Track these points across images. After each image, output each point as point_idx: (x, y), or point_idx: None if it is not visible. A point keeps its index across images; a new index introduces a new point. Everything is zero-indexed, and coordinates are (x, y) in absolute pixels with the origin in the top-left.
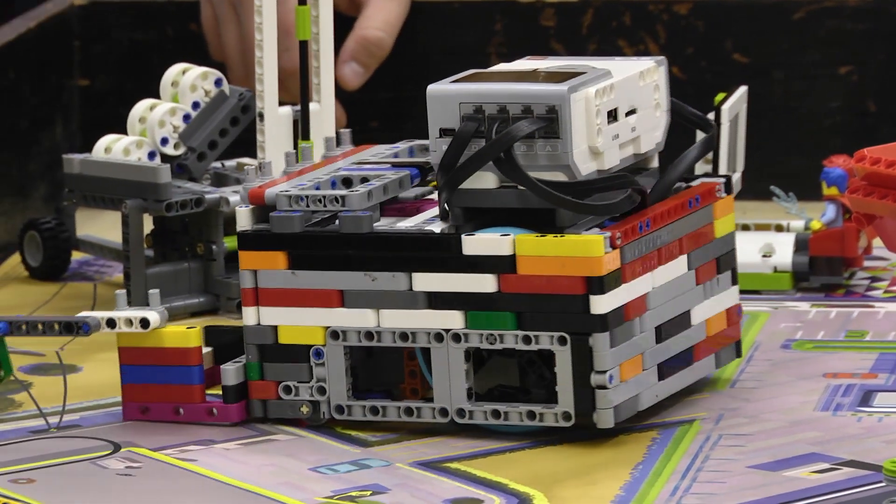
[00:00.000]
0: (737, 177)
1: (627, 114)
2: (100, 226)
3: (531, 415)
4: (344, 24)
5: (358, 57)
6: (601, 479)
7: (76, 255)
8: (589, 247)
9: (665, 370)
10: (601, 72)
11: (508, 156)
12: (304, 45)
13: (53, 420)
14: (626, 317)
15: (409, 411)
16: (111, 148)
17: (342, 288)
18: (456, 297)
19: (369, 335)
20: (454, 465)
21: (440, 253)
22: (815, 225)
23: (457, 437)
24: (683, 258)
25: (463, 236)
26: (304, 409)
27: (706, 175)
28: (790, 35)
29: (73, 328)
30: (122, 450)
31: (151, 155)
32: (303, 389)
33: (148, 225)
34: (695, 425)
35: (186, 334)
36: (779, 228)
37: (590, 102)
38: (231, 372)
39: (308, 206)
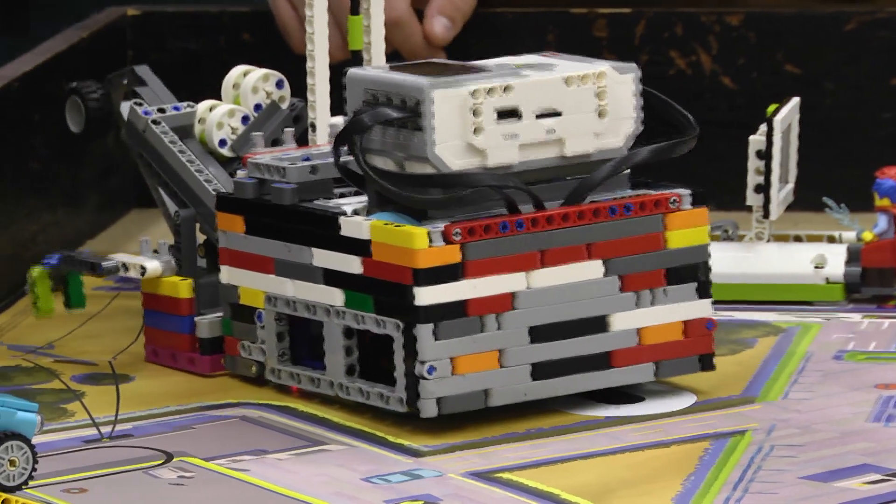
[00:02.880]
0: (789, 188)
1: (542, 115)
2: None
3: (381, 397)
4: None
5: (446, 11)
6: (653, 490)
7: None
8: (411, 239)
9: (547, 371)
10: (504, 70)
11: (351, 141)
12: (356, 55)
13: (106, 429)
14: (467, 312)
15: (312, 381)
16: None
17: (274, 256)
18: (337, 276)
19: (288, 304)
20: (506, 476)
21: (328, 231)
22: (867, 236)
23: (509, 447)
24: (597, 263)
25: (340, 217)
26: (253, 369)
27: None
28: (842, 46)
29: (93, 268)
30: (175, 459)
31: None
32: (253, 350)
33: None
34: (747, 436)
35: (177, 285)
36: (831, 239)
37: (465, 100)
38: (205, 325)
39: (262, 174)
